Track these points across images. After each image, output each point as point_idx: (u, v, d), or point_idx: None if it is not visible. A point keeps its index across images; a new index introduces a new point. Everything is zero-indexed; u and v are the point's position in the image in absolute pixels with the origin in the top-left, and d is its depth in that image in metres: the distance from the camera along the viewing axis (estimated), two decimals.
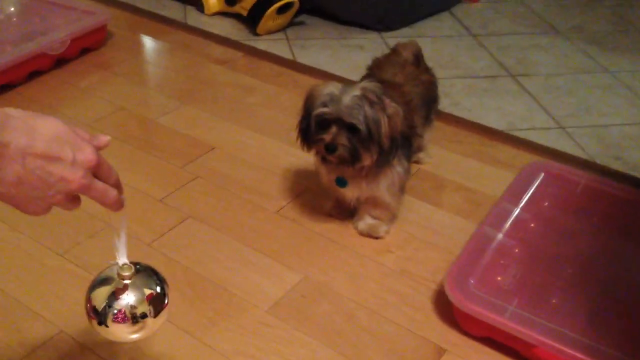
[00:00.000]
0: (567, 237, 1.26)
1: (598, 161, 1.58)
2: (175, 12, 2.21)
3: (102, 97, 1.70)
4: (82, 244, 1.21)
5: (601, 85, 1.95)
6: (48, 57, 1.74)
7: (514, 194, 1.29)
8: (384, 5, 2.14)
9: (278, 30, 2.12)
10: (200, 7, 2.20)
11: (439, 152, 1.56)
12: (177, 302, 1.10)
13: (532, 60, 2.08)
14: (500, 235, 1.19)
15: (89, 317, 0.71)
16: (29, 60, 1.68)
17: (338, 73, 1.89)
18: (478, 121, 1.70)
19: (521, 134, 1.67)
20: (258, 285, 1.15)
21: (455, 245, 1.27)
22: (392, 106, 1.12)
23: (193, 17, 2.18)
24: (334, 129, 1.12)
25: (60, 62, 1.80)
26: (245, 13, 2.09)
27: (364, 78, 1.33)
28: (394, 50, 1.37)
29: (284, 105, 1.72)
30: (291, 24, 2.15)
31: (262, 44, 2.04)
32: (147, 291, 0.72)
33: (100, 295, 0.70)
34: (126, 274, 0.71)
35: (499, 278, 1.14)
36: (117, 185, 0.70)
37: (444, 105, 1.64)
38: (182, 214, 1.31)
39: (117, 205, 0.70)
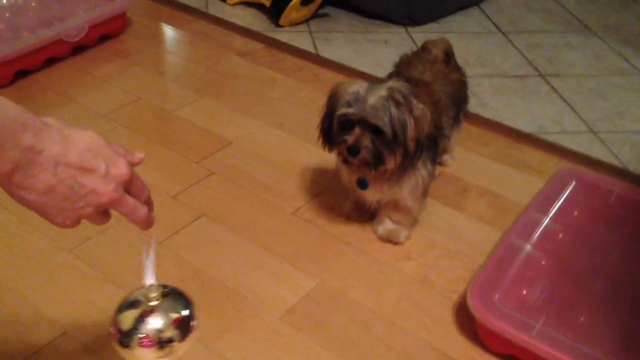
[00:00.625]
0: (598, 250, 1.20)
1: (631, 169, 1.51)
2: (196, 0, 2.16)
3: (119, 87, 1.66)
4: (92, 239, 1.17)
5: (635, 89, 1.86)
6: (65, 44, 1.70)
7: (543, 202, 1.23)
8: None
9: (301, 22, 2.07)
10: None
11: (464, 154, 1.50)
12: None
13: (564, 60, 2.00)
14: (527, 246, 1.13)
15: (115, 339, 0.69)
16: (46, 47, 1.65)
17: (361, 68, 1.83)
18: (506, 123, 1.64)
19: (551, 138, 1.60)
20: (271, 290, 1.11)
21: (478, 254, 1.22)
22: (419, 107, 1.06)
23: (215, 6, 2.13)
24: (357, 131, 1.06)
25: (78, 49, 1.76)
26: (268, 3, 2.03)
27: (391, 75, 1.28)
28: (424, 47, 1.31)
29: (305, 100, 1.66)
30: (315, 15, 2.10)
31: (284, 36, 1.98)
32: (174, 315, 0.70)
33: (127, 319, 0.69)
34: (153, 295, 0.69)
35: (524, 291, 1.09)
36: (148, 203, 0.69)
37: (471, 104, 1.57)
38: (195, 212, 1.27)
39: (147, 223, 0.69)
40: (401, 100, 1.04)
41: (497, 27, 2.19)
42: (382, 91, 1.05)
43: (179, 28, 2.00)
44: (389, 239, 1.23)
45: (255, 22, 2.06)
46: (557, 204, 1.23)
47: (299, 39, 1.98)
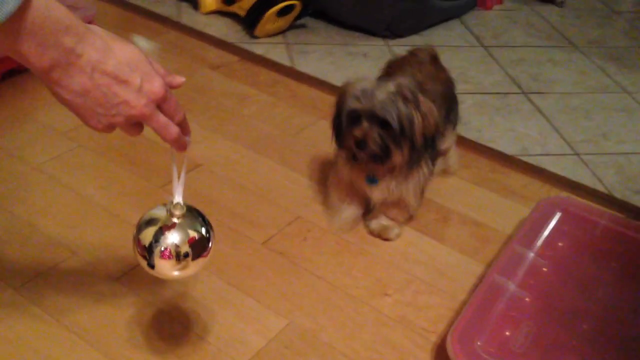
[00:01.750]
0: (584, 287, 1.14)
1: (617, 195, 1.45)
2: (169, 9, 2.08)
3: None
4: (42, 275, 1.08)
5: (620, 108, 1.82)
6: None
7: (526, 235, 1.17)
8: (392, 10, 2.00)
9: (278, 33, 1.99)
10: (195, 5, 2.07)
11: (445, 178, 1.43)
12: (144, 350, 0.97)
13: (547, 76, 1.95)
14: (511, 285, 1.06)
15: (137, 253, 0.76)
16: (3, 59, 1.55)
17: (339, 83, 1.75)
18: (489, 144, 1.57)
19: (534, 160, 1.54)
20: (237, 331, 1.02)
21: (459, 289, 1.15)
22: (426, 104, 1.09)
23: (188, 16, 2.05)
24: (365, 124, 1.08)
25: None
26: (243, 14, 1.95)
27: (380, 78, 1.26)
28: (411, 52, 1.33)
29: (279, 118, 1.59)
30: (292, 26, 2.02)
31: (259, 47, 1.90)
32: (192, 233, 0.76)
33: (149, 234, 0.75)
34: (177, 212, 0.76)
35: (508, 333, 1.02)
36: (183, 125, 0.74)
37: None
38: None
39: (179, 143, 0.73)
40: (409, 96, 1.07)
41: (479, 41, 2.13)
42: (390, 87, 1.08)
43: (149, 39, 1.91)
44: (380, 235, 1.24)
45: (229, 32, 1.98)
46: (541, 237, 1.17)
47: (275, 51, 1.90)
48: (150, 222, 0.76)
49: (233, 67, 1.80)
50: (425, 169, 1.17)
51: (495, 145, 1.58)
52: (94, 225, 1.20)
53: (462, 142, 1.56)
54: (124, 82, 0.65)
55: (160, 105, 0.69)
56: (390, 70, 1.29)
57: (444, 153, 1.37)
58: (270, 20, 1.90)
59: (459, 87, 1.81)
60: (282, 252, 1.19)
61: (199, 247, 0.76)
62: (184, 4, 2.11)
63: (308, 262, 1.18)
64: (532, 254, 1.13)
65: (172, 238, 0.74)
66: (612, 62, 2.07)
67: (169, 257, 0.74)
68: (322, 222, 1.27)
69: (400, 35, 2.07)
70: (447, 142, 1.36)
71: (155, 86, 0.68)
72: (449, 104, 1.31)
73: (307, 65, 1.85)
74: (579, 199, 1.33)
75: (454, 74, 1.87)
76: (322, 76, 1.79)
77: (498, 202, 1.39)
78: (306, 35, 2.02)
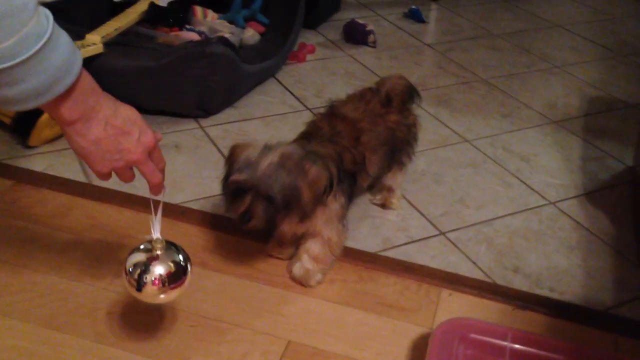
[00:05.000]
0: None
1: (497, 279, 1.29)
2: None
3: None
4: None
5: (466, 163, 1.68)
6: None
7: None
8: (199, 87, 1.69)
9: (61, 136, 1.58)
10: None
11: (306, 303, 1.17)
12: None
13: None
14: None
15: (128, 284, 0.92)
16: None
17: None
18: (347, 243, 1.32)
19: (401, 253, 1.33)
20: None
21: None
22: (312, 171, 1.06)
23: None
24: (248, 199, 1.05)
25: None
26: (8, 121, 1.51)
27: (327, 109, 1.30)
28: (377, 85, 1.35)
29: (82, 266, 1.20)
30: None
31: (39, 161, 1.48)
32: (172, 264, 0.92)
33: (138, 265, 0.91)
34: (159, 245, 0.92)
35: None
36: (163, 172, 0.93)
37: None
38: None
39: (159, 187, 0.92)
40: (292, 167, 1.04)
41: (301, 102, 1.90)
42: (274, 157, 1.05)
43: None
44: (300, 281, 1.20)
45: None
46: None
47: (61, 162, 1.50)
48: (137, 258, 0.91)
49: (6, 197, 1.36)
50: (335, 205, 1.15)
51: (354, 243, 1.34)
52: None
53: None
54: (127, 133, 0.83)
55: (150, 153, 0.87)
56: (339, 102, 1.31)
57: (387, 190, 1.43)
58: (46, 125, 1.49)
59: None
60: None
61: (178, 276, 0.91)
62: None
63: None
64: None
65: (158, 269, 0.90)
66: (442, 106, 1.96)
67: (157, 285, 0.89)
68: None
69: (214, 112, 1.77)
70: (389, 181, 1.40)
71: (149, 138, 0.86)
72: (392, 146, 1.31)
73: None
74: (475, 319, 1.12)
75: None
76: (129, 188, 1.42)
77: (377, 326, 1.15)
78: None
